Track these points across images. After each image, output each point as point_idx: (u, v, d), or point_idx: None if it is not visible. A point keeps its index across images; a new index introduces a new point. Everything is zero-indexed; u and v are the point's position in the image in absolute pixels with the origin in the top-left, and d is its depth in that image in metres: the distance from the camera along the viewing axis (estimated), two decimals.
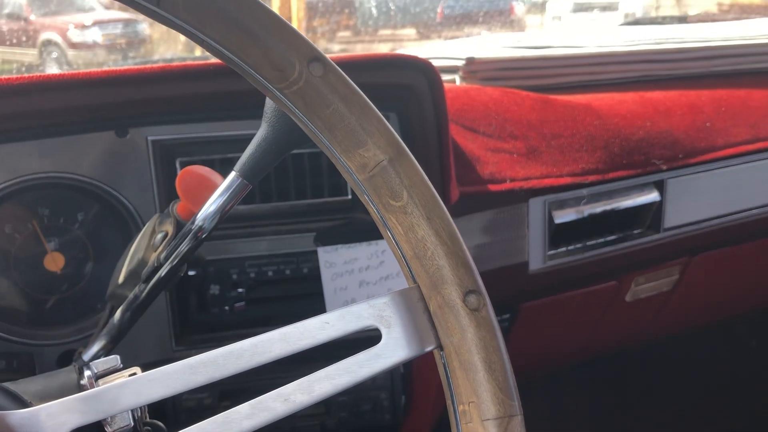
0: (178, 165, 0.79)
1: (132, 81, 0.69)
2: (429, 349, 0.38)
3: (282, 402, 0.38)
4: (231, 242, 0.85)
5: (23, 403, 0.45)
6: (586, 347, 1.33)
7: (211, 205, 0.56)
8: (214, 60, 0.75)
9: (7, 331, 0.77)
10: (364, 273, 0.85)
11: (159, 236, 0.60)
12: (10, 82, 0.65)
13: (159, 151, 0.77)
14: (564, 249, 1.03)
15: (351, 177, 0.40)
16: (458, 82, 1.03)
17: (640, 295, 1.24)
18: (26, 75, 0.67)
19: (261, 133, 0.55)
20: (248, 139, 0.80)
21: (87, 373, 0.53)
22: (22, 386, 0.50)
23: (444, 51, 1.08)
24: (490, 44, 1.15)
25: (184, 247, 0.57)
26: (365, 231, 0.85)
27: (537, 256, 0.99)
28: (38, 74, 0.68)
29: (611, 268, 1.13)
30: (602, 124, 1.01)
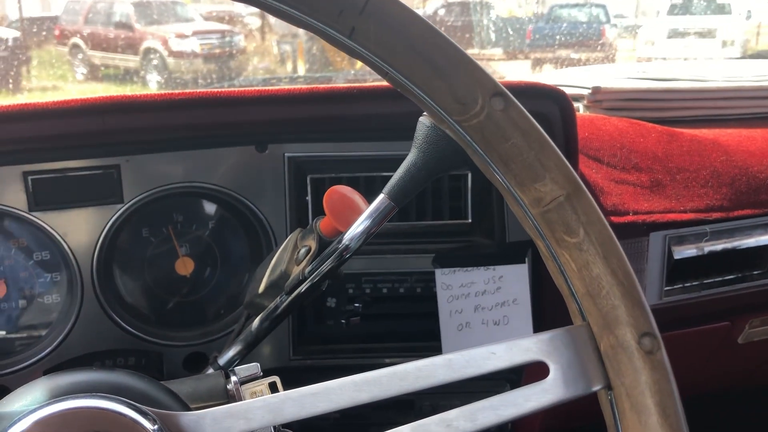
0: (309, 181, 0.81)
1: (276, 101, 0.72)
2: (596, 388, 0.38)
3: (444, 427, 0.39)
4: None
5: (185, 405, 0.48)
6: (693, 386, 1.28)
7: (358, 226, 0.58)
8: (352, 84, 0.77)
9: (139, 330, 0.81)
10: (480, 297, 0.85)
11: (302, 251, 0.62)
12: (165, 97, 0.69)
13: (293, 167, 0.80)
14: (680, 286, 1.00)
15: (522, 210, 0.40)
16: (581, 110, 1.02)
17: (753, 338, 1.19)
18: (177, 92, 0.71)
19: (410, 158, 0.56)
20: (376, 159, 0.83)
21: (233, 378, 0.55)
22: (174, 386, 0.52)
23: (567, 79, 1.07)
24: (613, 74, 1.13)
25: (328, 264, 0.59)
26: (483, 256, 0.85)
27: (653, 292, 0.96)
28: (189, 91, 0.72)
29: (726, 308, 1.09)
30: (729, 160, 0.98)
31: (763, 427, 1.58)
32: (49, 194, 0.72)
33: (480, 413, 0.39)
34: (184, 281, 0.86)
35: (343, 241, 0.59)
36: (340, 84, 0.75)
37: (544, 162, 0.39)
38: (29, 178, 0.71)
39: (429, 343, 0.86)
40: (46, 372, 0.77)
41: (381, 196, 0.57)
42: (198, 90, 0.70)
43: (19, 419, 0.40)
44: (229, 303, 0.87)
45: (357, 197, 0.63)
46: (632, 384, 0.37)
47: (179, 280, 0.85)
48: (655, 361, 0.37)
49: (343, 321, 0.88)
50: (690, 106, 1.03)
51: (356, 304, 0.88)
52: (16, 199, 0.72)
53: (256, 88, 0.71)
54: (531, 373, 0.89)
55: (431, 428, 0.39)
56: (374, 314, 0.89)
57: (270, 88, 0.69)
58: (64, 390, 0.44)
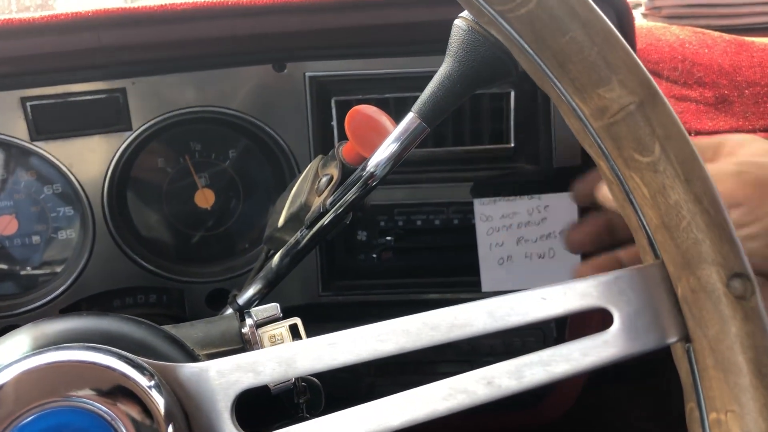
0: (333, 104, 0.74)
1: (294, 9, 0.64)
2: (672, 341, 0.31)
3: (485, 385, 0.33)
4: (379, 188, 0.81)
5: (189, 354, 0.42)
6: None
7: (385, 151, 0.51)
8: None
9: (158, 266, 0.76)
10: (524, 229, 0.78)
11: (324, 180, 0.56)
12: (165, 9, 0.61)
13: (316, 88, 0.72)
14: None
15: (581, 123, 0.32)
16: (638, 20, 0.91)
17: None
18: (179, 2, 0.63)
19: (444, 69, 0.48)
20: (409, 77, 0.75)
21: (248, 321, 0.49)
22: (183, 331, 0.47)
23: None
24: None
25: (352, 194, 0.52)
26: (527, 183, 0.77)
27: None
28: (189, 2, 0.64)
29: None
30: None
31: None
32: (51, 122, 0.67)
33: (527, 369, 0.32)
34: (204, 214, 0.80)
35: (368, 168, 0.52)
36: None
37: (611, 61, 0.31)
38: (28, 104, 0.65)
39: (466, 278, 0.80)
40: (63, 311, 0.74)
41: (410, 115, 0.50)
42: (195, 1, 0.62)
43: None
44: (253, 236, 0.81)
45: (383, 118, 0.56)
46: (718, 336, 0.29)
47: (199, 213, 0.80)
48: (748, 308, 0.29)
49: (374, 255, 0.83)
50: (762, 11, 0.91)
51: (388, 238, 0.82)
52: (15, 127, 0.66)
53: None
54: (577, 323, 0.83)
55: (470, 385, 0.33)
56: (408, 248, 0.83)
57: None
58: (51, 339, 0.38)
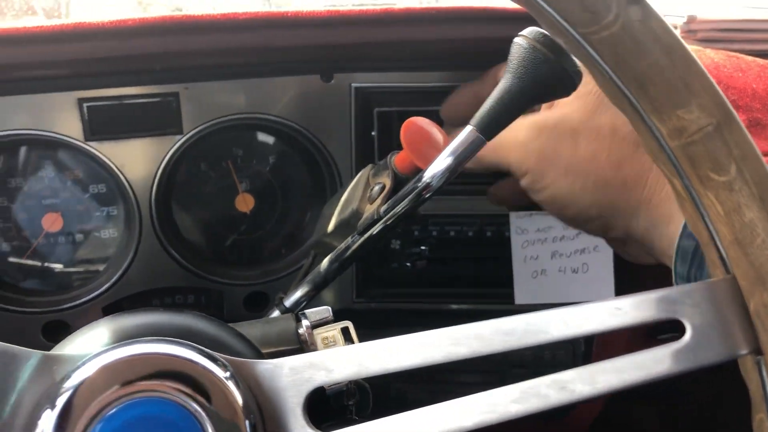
0: (375, 115, 0.76)
1: (346, 22, 0.65)
2: (743, 353, 0.32)
3: (557, 390, 0.34)
4: None
5: (257, 351, 0.44)
6: None
7: (441, 162, 0.52)
8: (427, 6, 0.70)
9: (199, 267, 0.78)
10: (558, 243, 0.79)
11: (376, 188, 0.57)
12: (228, 17, 0.63)
13: (360, 98, 0.74)
14: None
15: (657, 142, 0.34)
16: None
17: None
18: (241, 11, 0.65)
19: (504, 84, 0.50)
20: (446, 91, 0.77)
21: (305, 322, 0.51)
22: (243, 329, 0.49)
23: (659, 6, 0.98)
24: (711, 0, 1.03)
25: (406, 203, 0.54)
26: None
27: None
28: (246, 11, 0.66)
29: None
30: None
31: None
32: (106, 123, 0.68)
33: (600, 376, 0.33)
34: (243, 218, 0.82)
35: (423, 179, 0.53)
36: (410, 6, 0.68)
37: (691, 84, 0.32)
38: (84, 105, 0.67)
39: (499, 290, 0.81)
40: (105, 309, 0.75)
41: (468, 128, 0.51)
42: (262, 10, 0.64)
43: (84, 362, 0.37)
44: (289, 241, 0.83)
45: (435, 130, 0.57)
46: None
47: (239, 216, 0.82)
48: None
49: (408, 264, 0.84)
50: None
51: (422, 247, 0.84)
52: (70, 127, 0.68)
53: (323, 9, 0.65)
54: (603, 340, 0.84)
55: (542, 390, 0.34)
56: (441, 258, 0.84)
57: (339, 8, 0.63)
58: (130, 333, 0.40)
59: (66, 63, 0.63)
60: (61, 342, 0.41)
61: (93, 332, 0.40)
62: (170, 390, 0.37)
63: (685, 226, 0.51)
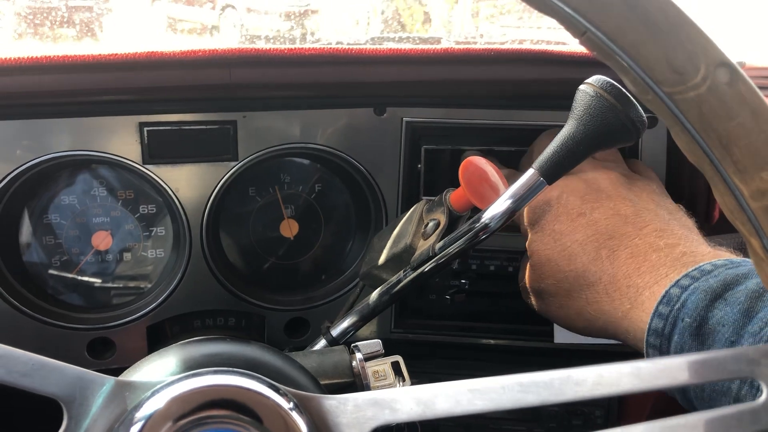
0: (423, 152, 0.77)
1: (405, 61, 0.67)
2: None
3: None
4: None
5: (317, 384, 0.44)
6: None
7: (502, 204, 0.53)
8: (479, 47, 0.71)
9: (242, 291, 0.79)
10: None
11: (431, 224, 0.58)
12: (294, 52, 0.64)
13: (410, 132, 0.75)
14: None
15: (737, 202, 0.34)
16: None
17: None
18: (306, 47, 0.67)
19: (568, 130, 0.51)
20: (498, 129, 0.77)
21: (358, 355, 0.52)
22: (299, 359, 0.49)
23: None
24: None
25: (463, 242, 0.54)
26: None
27: None
28: (312, 47, 0.68)
29: None
30: None
31: None
32: (164, 147, 0.70)
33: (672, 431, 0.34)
34: (287, 243, 0.83)
35: (482, 220, 0.54)
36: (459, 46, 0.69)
37: None
38: (145, 129, 0.68)
39: (537, 327, 0.81)
40: (150, 328, 0.76)
41: (531, 171, 0.52)
42: (317, 47, 0.66)
43: (155, 392, 0.38)
44: (331, 269, 0.83)
45: (492, 170, 0.58)
46: None
47: (282, 242, 0.83)
48: None
49: (447, 297, 0.84)
50: None
51: (462, 281, 0.84)
52: (129, 150, 0.69)
53: (380, 47, 0.66)
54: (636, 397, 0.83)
55: None
56: (479, 292, 0.84)
57: (401, 47, 0.64)
58: (198, 362, 0.41)
59: (134, 90, 0.65)
60: (132, 367, 0.42)
61: (163, 360, 0.41)
62: (238, 422, 0.37)
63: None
